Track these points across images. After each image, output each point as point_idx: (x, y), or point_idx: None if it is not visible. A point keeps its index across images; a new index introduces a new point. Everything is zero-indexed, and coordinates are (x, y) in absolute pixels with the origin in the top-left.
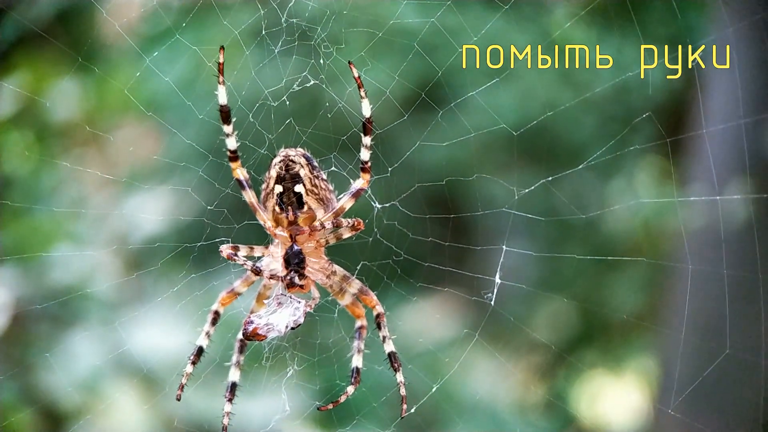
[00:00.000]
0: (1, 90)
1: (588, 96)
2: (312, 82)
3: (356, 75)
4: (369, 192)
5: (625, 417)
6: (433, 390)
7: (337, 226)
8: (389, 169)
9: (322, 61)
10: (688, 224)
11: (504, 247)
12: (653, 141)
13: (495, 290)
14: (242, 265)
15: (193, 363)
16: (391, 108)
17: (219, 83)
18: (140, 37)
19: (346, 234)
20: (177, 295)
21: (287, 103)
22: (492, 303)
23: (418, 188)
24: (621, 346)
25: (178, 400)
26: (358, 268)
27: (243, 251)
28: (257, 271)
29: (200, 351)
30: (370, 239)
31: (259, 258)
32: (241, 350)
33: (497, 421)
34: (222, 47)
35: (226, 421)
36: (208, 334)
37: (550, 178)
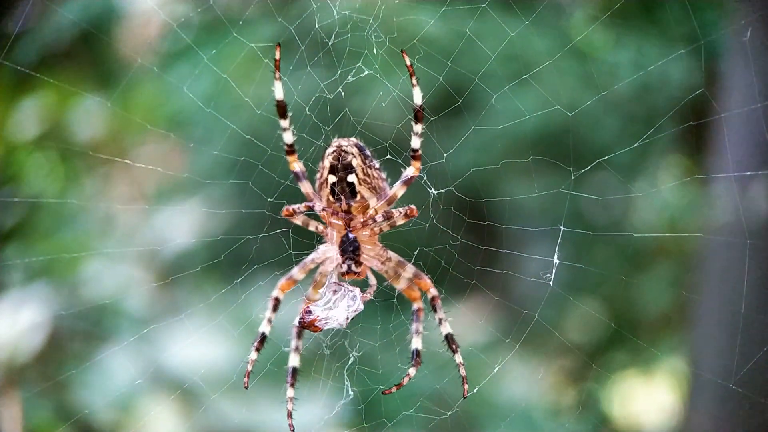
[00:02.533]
0: (25, 111)
1: (611, 96)
2: (366, 72)
3: (408, 63)
4: (425, 178)
5: (657, 417)
6: (495, 370)
7: (390, 214)
8: (444, 155)
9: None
10: (716, 217)
11: (562, 227)
12: (678, 137)
13: (554, 270)
14: (298, 218)
15: (257, 350)
16: (445, 96)
17: (275, 79)
18: (161, 55)
19: (400, 221)
20: (224, 300)
21: (342, 94)
22: (551, 284)
23: (474, 173)
24: (651, 346)
25: (246, 388)
26: (416, 253)
27: (298, 219)
28: (307, 223)
29: (263, 338)
30: (427, 225)
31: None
32: (299, 335)
33: (531, 424)
34: (278, 44)
35: (290, 406)
36: (269, 320)
37: (605, 157)
